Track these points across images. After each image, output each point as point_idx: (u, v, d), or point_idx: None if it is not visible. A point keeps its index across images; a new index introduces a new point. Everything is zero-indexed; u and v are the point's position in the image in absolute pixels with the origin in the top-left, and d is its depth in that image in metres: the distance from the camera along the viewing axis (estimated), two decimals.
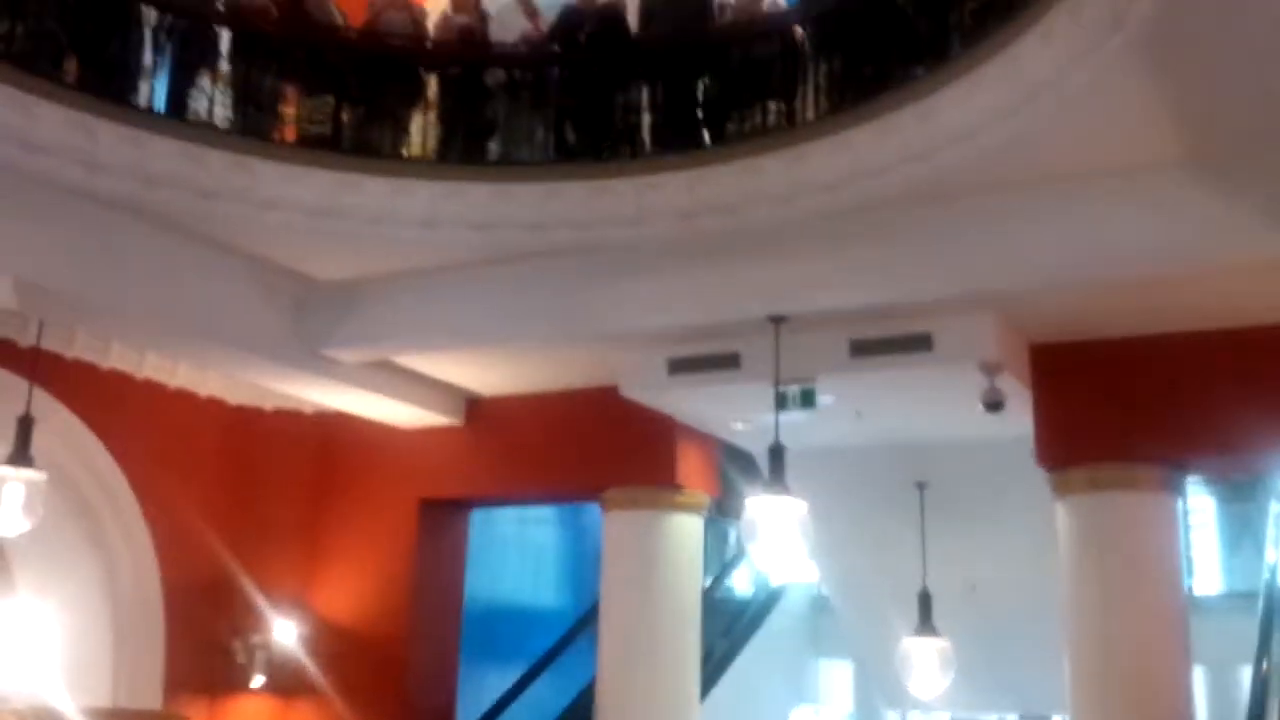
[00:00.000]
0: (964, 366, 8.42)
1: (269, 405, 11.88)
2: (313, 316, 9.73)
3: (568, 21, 9.52)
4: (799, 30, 8.62)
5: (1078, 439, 8.84)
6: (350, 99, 9.11)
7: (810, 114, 8.30)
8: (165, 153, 8.16)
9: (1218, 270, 7.57)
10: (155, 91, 8.67)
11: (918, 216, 7.90)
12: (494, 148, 9.22)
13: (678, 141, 8.73)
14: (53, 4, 8.14)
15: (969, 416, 8.73)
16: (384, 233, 8.80)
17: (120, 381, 10.74)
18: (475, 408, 11.51)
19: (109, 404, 10.61)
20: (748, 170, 8.15)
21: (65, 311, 9.05)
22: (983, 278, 7.89)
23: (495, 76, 9.32)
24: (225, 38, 9.03)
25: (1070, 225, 7.50)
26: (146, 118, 8.27)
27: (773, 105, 8.49)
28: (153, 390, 11.04)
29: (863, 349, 8.56)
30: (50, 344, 9.70)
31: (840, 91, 8.23)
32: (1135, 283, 7.83)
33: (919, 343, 8.41)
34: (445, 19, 10.07)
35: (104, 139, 7.94)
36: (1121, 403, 8.76)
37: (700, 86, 8.96)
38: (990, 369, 8.38)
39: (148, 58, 8.64)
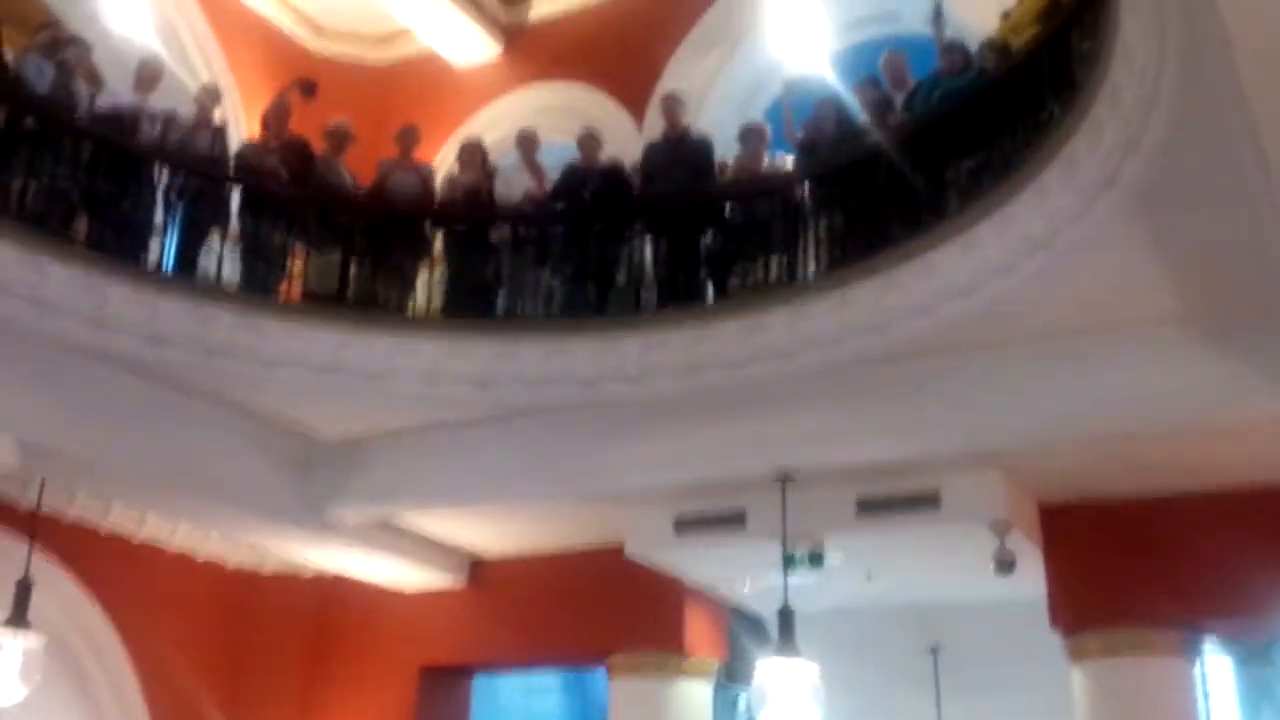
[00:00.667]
0: (973, 526, 8.26)
1: (268, 568, 11.69)
2: (316, 475, 9.65)
3: (571, 180, 9.68)
4: (799, 188, 8.73)
5: (1091, 602, 8.62)
6: (357, 256, 9.22)
7: (812, 269, 8.35)
8: (173, 312, 8.22)
9: (1223, 428, 7.48)
10: (165, 250, 8.78)
11: (921, 371, 7.86)
12: (498, 304, 9.27)
13: (681, 297, 8.77)
14: (66, 163, 8.30)
15: (981, 577, 8.54)
16: (387, 389, 8.79)
17: (119, 544, 10.55)
18: (478, 570, 11.28)
19: (107, 566, 10.40)
20: (751, 326, 8.16)
21: (68, 472, 8.99)
22: (988, 434, 7.80)
23: (500, 233, 9.45)
24: (236, 197, 9.19)
25: (1073, 381, 7.45)
26: (156, 278, 8.36)
27: (774, 260, 8.55)
28: (151, 553, 10.86)
29: (870, 507, 8.42)
30: (50, 504, 9.60)
31: (841, 247, 8.30)
32: (1141, 440, 7.71)
33: (927, 501, 8.27)
34: (451, 178, 10.26)
35: (113, 298, 8.00)
36: (1135, 565, 8.56)
37: (702, 243, 9.04)
38: (1000, 529, 8.21)
39: (158, 216, 8.80)
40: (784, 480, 8.31)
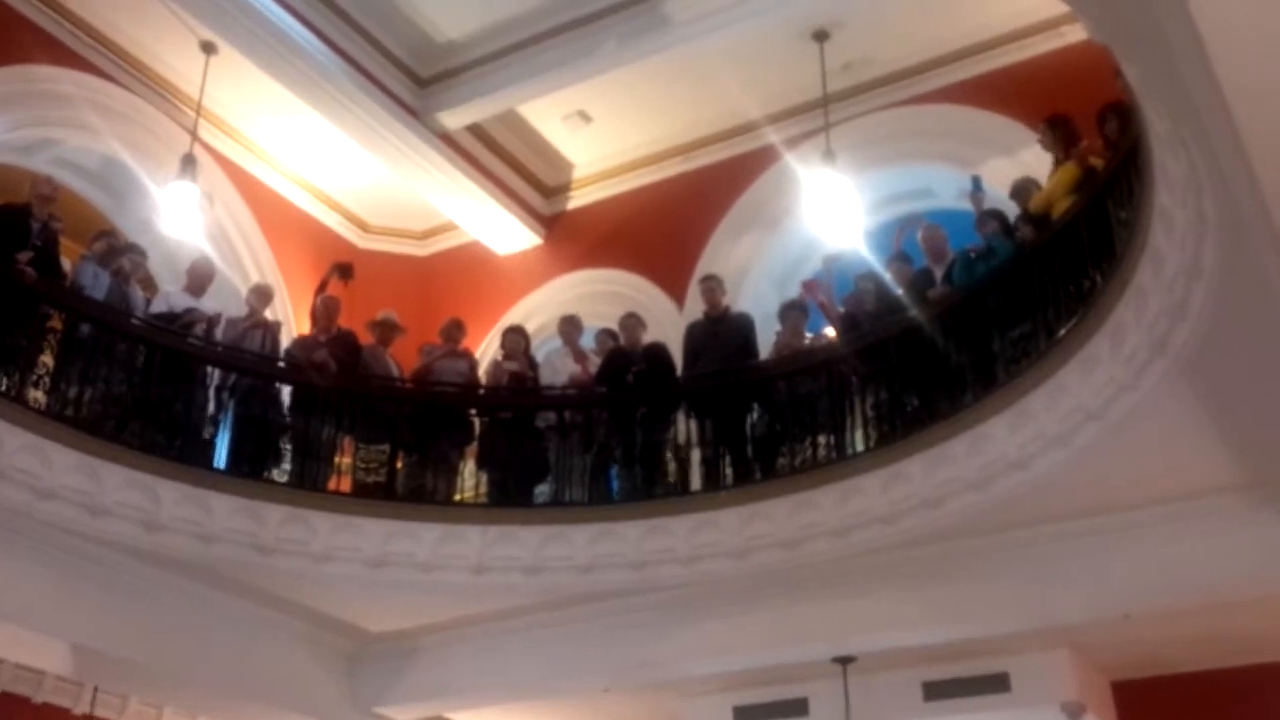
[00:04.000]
0: (1045, 708, 7.96)
1: None
2: (366, 673, 9.53)
3: (615, 362, 9.75)
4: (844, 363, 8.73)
5: None
6: (405, 446, 9.27)
7: (860, 445, 8.29)
8: (225, 510, 8.26)
9: None
10: (216, 449, 8.87)
11: (980, 548, 7.74)
12: (544, 489, 9.25)
13: (728, 478, 8.70)
14: (121, 367, 8.47)
15: None
16: (436, 580, 8.72)
17: None
18: None
19: None
20: (801, 505, 8.09)
21: (120, 677, 8.96)
22: (1054, 611, 7.62)
23: (545, 419, 9.48)
24: (285, 393, 9.32)
25: (1137, 554, 7.31)
26: (207, 476, 8.42)
27: (822, 438, 8.50)
28: None
29: (937, 691, 8.18)
30: (103, 710, 9.49)
31: (889, 421, 8.25)
32: (1211, 611, 7.49)
33: (996, 683, 8.03)
34: (496, 365, 10.37)
35: (166, 500, 8.07)
36: None
37: (748, 421, 9.02)
38: (1073, 710, 7.92)
39: (210, 415, 8.91)
40: (845, 665, 8.09)
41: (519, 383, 9.90)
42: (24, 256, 8.17)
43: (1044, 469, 7.24)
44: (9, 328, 7.99)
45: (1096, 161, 7.90)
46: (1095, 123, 8.17)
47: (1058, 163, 8.36)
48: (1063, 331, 7.12)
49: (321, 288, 10.17)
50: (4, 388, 7.80)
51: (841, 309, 9.34)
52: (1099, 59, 6.52)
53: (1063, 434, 7.06)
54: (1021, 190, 8.55)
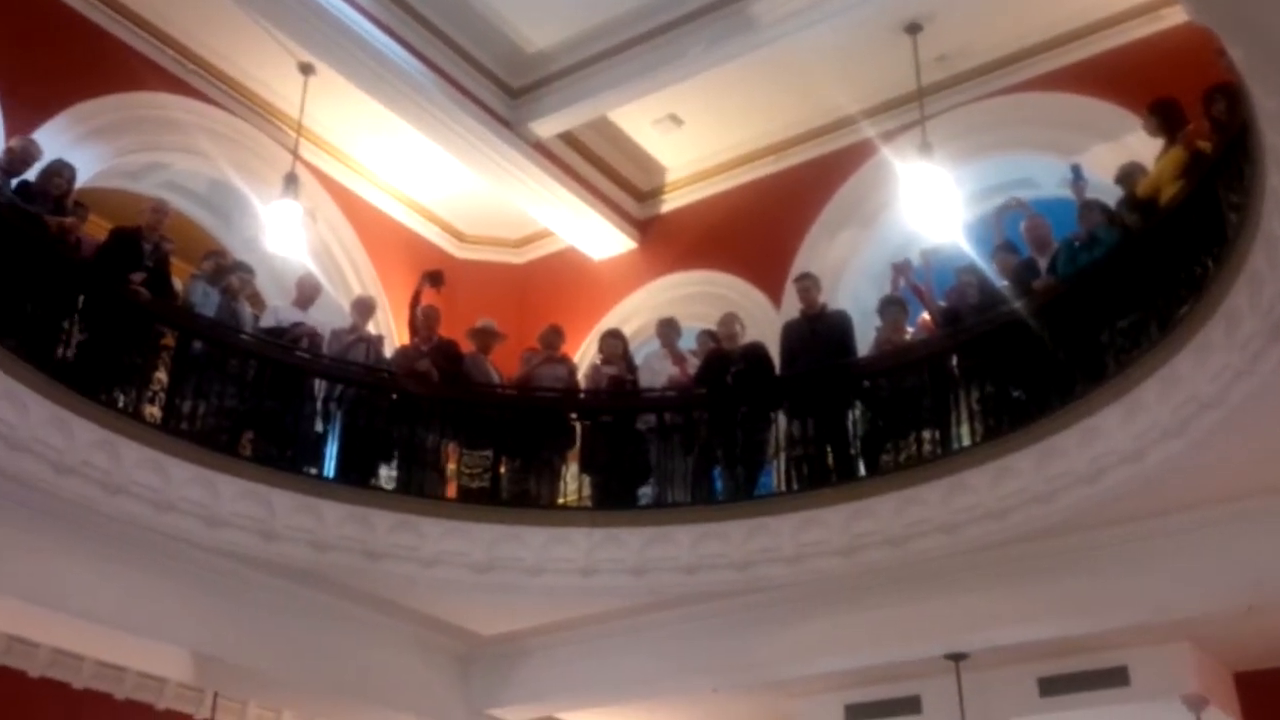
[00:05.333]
0: (1166, 702, 7.77)
1: None
2: (476, 675, 9.67)
3: (714, 363, 9.74)
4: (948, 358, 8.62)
5: None
6: (508, 451, 9.37)
7: (966, 440, 8.17)
8: (336, 518, 8.43)
9: None
10: (326, 458, 9.06)
11: (1094, 542, 7.58)
12: (647, 491, 9.27)
13: (832, 475, 8.63)
14: (232, 381, 8.70)
15: None
16: (544, 583, 8.80)
17: None
18: None
19: None
20: (907, 501, 8.00)
21: (239, 683, 9.19)
22: (1174, 603, 7.44)
23: (646, 421, 9.51)
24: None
25: (1259, 543, 7.10)
26: (318, 484, 8.60)
27: (927, 434, 8.39)
28: None
29: (1053, 686, 8.04)
30: (223, 715, 9.76)
31: (995, 416, 8.11)
32: None
33: (1114, 677, 7.87)
34: (595, 369, 10.43)
35: (279, 508, 8.27)
36: None
37: (850, 419, 8.94)
38: (1195, 703, 7.71)
39: (319, 426, 9.11)
40: (958, 662, 7.98)
41: (618, 386, 9.95)
42: (138, 277, 8.44)
43: (1158, 460, 7.07)
44: (125, 347, 8.25)
45: (1204, 145, 7.70)
46: (1201, 105, 7.98)
47: (1164, 147, 8.16)
48: (1175, 319, 6.94)
49: (416, 299, 10.33)
50: (122, 404, 8.06)
51: (943, 303, 9.21)
52: (1201, 40, 6.38)
53: (1177, 424, 6.89)
54: (1128, 176, 8.35)
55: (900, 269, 9.60)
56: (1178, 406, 6.85)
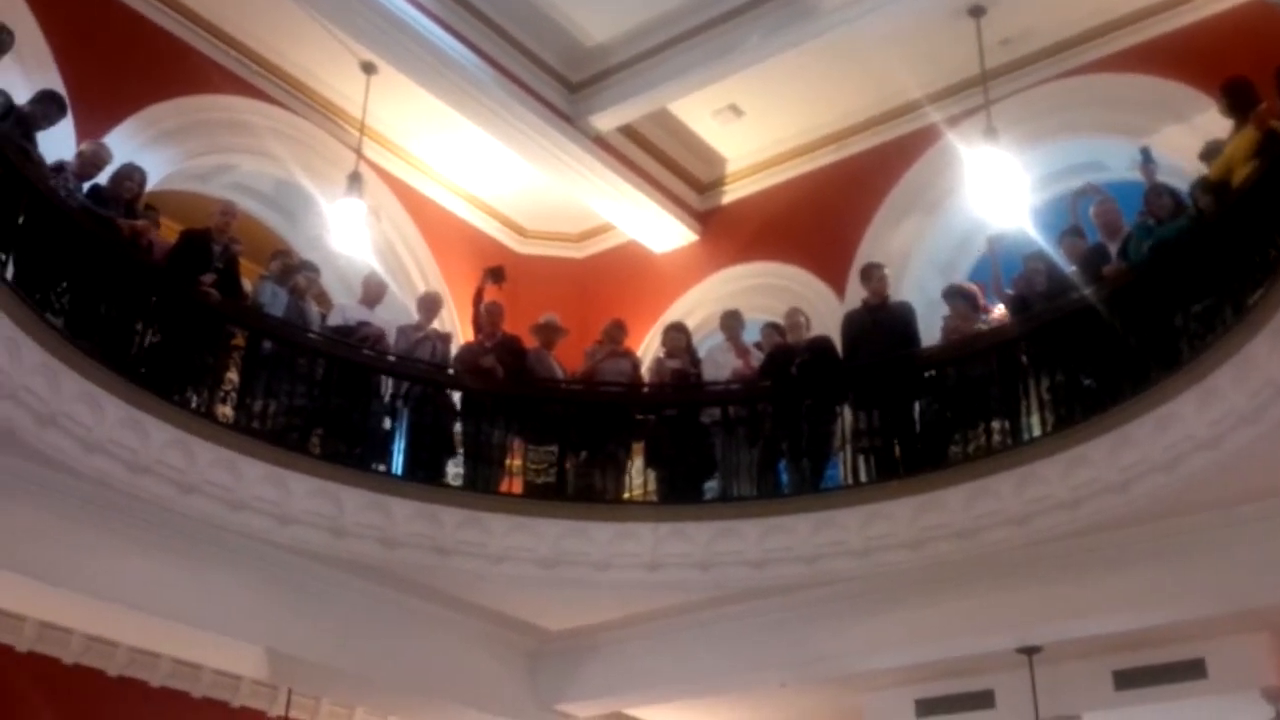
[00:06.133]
0: (1245, 694, 7.62)
1: None
2: (546, 670, 9.71)
3: (778, 356, 9.68)
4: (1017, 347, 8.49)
5: None
6: (573, 447, 9.39)
7: (1037, 430, 8.05)
8: (404, 514, 8.51)
9: None
10: (393, 455, 9.14)
11: (1169, 531, 7.44)
12: (713, 485, 9.25)
13: (899, 467, 8.55)
14: (302, 380, 8.81)
15: None
16: (611, 578, 8.82)
17: None
18: None
19: None
20: (977, 493, 7.91)
21: (313, 680, 9.30)
22: (1252, 594, 7.28)
23: (710, 415, 9.48)
24: (456, 398, 9.55)
25: None
26: (387, 481, 8.69)
27: (996, 424, 8.28)
28: None
29: (1129, 680, 7.91)
30: (297, 712, 9.89)
31: (1066, 404, 7.99)
32: None
33: (1191, 670, 7.73)
34: (658, 363, 10.41)
35: (349, 505, 8.36)
36: None
37: (916, 409, 8.85)
38: (1275, 695, 7.56)
39: (386, 423, 9.20)
40: (1031, 655, 7.88)
41: (682, 380, 9.93)
42: (208, 279, 8.56)
43: (1235, 447, 6.94)
44: (197, 347, 8.38)
45: (1277, 124, 7.53)
46: (1274, 83, 7.79)
47: (1236, 127, 7.98)
48: (1250, 303, 6.79)
49: (479, 296, 10.36)
50: (195, 404, 8.19)
51: (1010, 291, 9.07)
52: (1272, 18, 6.22)
53: (1253, 409, 6.77)
54: (1212, 154, 8.15)
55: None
56: (1254, 392, 6.73)
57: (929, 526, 8.08)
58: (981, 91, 10.28)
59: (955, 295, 9.32)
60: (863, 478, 8.69)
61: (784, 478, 9.11)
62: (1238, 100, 8.02)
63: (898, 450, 8.71)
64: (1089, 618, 7.72)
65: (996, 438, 8.19)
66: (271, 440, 8.32)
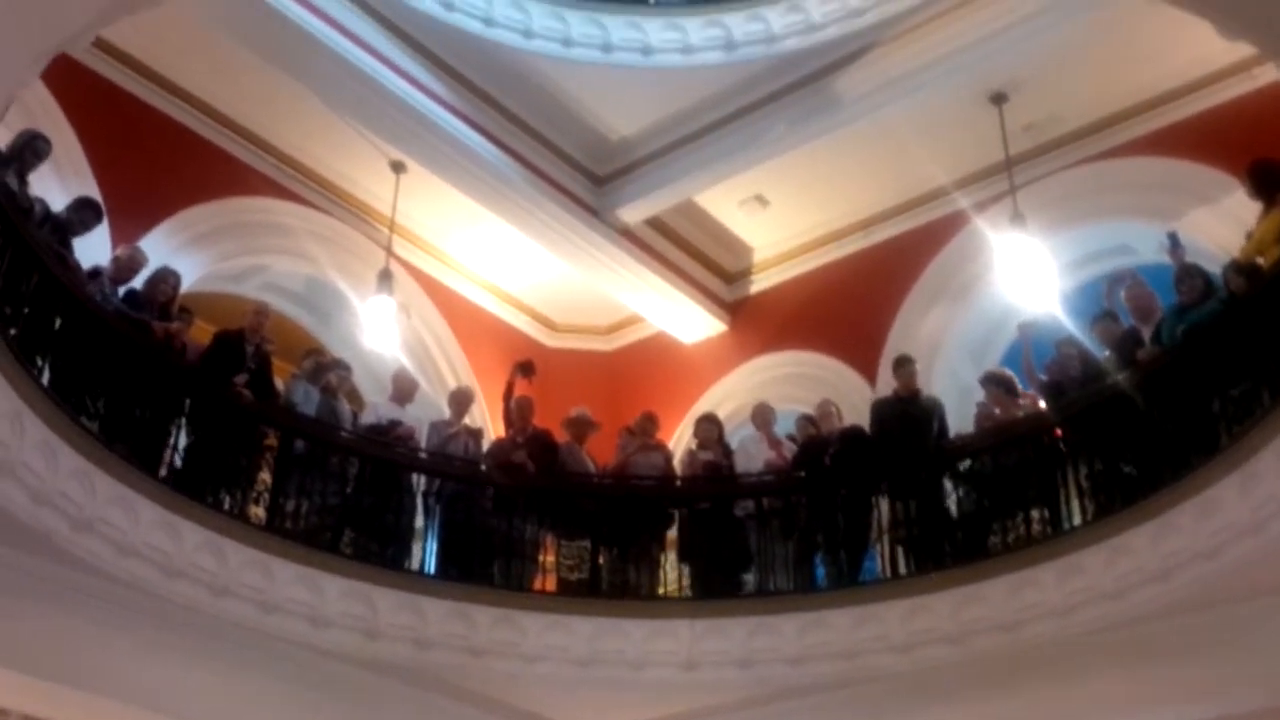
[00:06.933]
0: None
1: None
2: None
3: (812, 447, 9.61)
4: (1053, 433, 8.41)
5: None
6: (605, 542, 9.32)
7: (1077, 519, 7.94)
8: (438, 614, 8.43)
9: None
10: (426, 554, 9.09)
11: (1215, 621, 7.27)
12: (749, 579, 9.14)
13: (938, 558, 8.44)
14: (334, 479, 8.80)
15: None
16: (647, 677, 8.68)
17: None
18: None
19: None
20: (1019, 585, 7.78)
21: None
22: None
23: (744, 507, 9.39)
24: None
25: None
26: (419, 581, 8.62)
27: (1035, 513, 8.17)
28: None
29: None
30: None
31: (1106, 492, 7.87)
32: None
33: None
34: (691, 455, 10.34)
35: (382, 606, 8.30)
36: None
37: (954, 499, 8.75)
38: None
39: (419, 521, 9.16)
40: None
41: (715, 472, 9.85)
42: (241, 379, 8.62)
43: (1278, 532, 6.79)
44: (230, 448, 8.41)
45: None
46: None
47: (1264, 210, 7.96)
48: None
49: (509, 391, 10.34)
50: (228, 506, 8.20)
51: (1044, 377, 9.01)
52: None
53: None
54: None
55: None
56: None
57: (971, 619, 7.93)
58: (1007, 177, 10.32)
59: (992, 381, 9.24)
60: (901, 569, 8.57)
61: (820, 570, 8.98)
62: (1265, 182, 8.02)
63: (937, 541, 8.58)
64: (1136, 712, 7.50)
65: (1036, 527, 8.06)
66: (304, 540, 8.30)
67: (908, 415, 9.25)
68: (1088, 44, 9.68)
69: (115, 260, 8.81)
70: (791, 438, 9.99)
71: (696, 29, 10.78)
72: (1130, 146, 10.35)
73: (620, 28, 10.80)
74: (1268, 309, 7.23)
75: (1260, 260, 7.74)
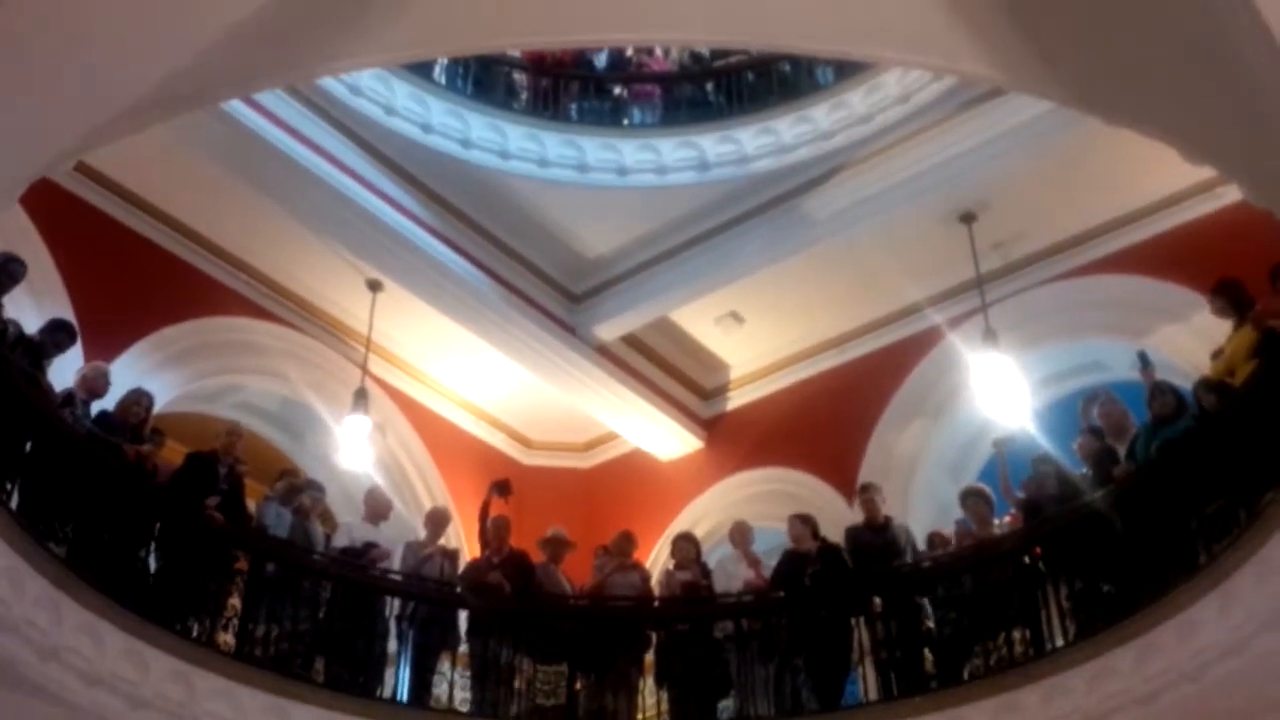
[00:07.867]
0: None
1: None
2: None
3: (790, 565, 9.50)
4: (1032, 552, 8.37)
5: None
6: (582, 666, 9.14)
7: (1060, 640, 7.86)
8: None
9: None
10: (399, 679, 8.89)
11: None
12: (727, 704, 8.96)
13: (922, 682, 8.31)
14: (304, 604, 8.64)
15: None
16: None
17: None
18: None
19: None
20: (1002, 708, 7.65)
21: None
22: None
23: (723, 629, 9.26)
24: (463, 618, 9.34)
25: None
26: (390, 709, 8.42)
27: (1016, 633, 8.08)
28: None
29: None
30: None
31: (1088, 612, 7.81)
32: None
33: None
34: (668, 575, 10.20)
35: None
36: None
37: (935, 619, 8.66)
38: None
39: (391, 646, 8.98)
40: None
41: (693, 592, 9.72)
42: (212, 501, 8.50)
43: (1261, 651, 6.74)
44: (200, 572, 8.26)
45: (1276, 323, 7.62)
46: (1268, 281, 7.93)
47: (1234, 327, 8.07)
48: (1262, 504, 6.72)
49: (485, 510, 10.22)
50: (196, 633, 8.02)
51: (1021, 494, 9.00)
52: (1263, 216, 6.33)
53: (1275, 613, 6.61)
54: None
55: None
56: (1275, 594, 6.61)
57: None
58: (978, 295, 10.44)
59: (972, 496, 9.22)
60: (884, 693, 8.42)
61: (801, 693, 8.82)
62: (1232, 300, 8.14)
63: (919, 663, 8.47)
64: None
65: (1019, 648, 7.98)
66: (274, 668, 8.11)
67: (880, 543, 9.20)
68: (1054, 165, 9.90)
69: (81, 378, 8.71)
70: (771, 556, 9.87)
71: (670, 150, 11.01)
72: (1098, 265, 10.53)
73: (596, 149, 11.02)
74: (1240, 426, 7.26)
75: (1229, 379, 7.85)
